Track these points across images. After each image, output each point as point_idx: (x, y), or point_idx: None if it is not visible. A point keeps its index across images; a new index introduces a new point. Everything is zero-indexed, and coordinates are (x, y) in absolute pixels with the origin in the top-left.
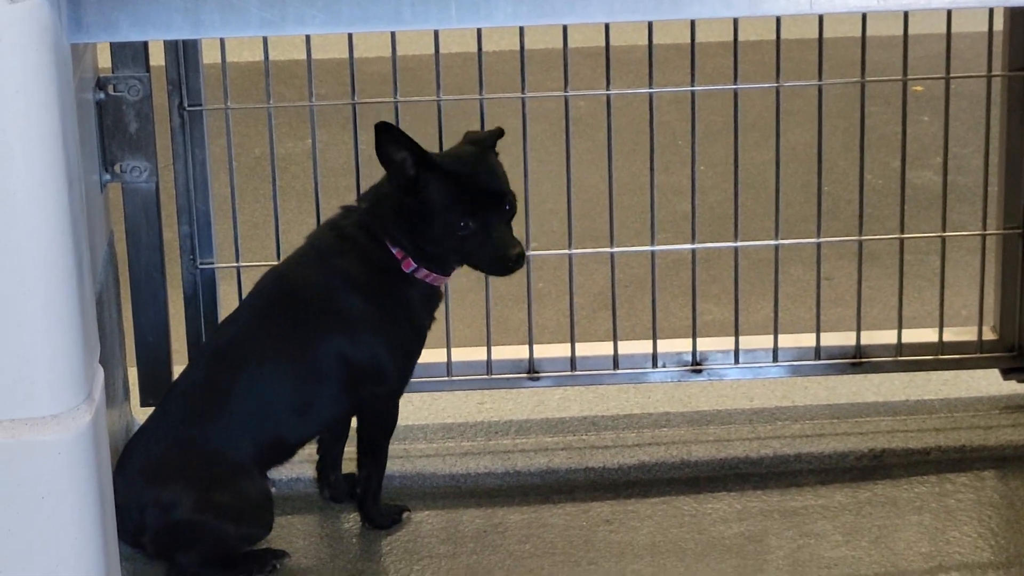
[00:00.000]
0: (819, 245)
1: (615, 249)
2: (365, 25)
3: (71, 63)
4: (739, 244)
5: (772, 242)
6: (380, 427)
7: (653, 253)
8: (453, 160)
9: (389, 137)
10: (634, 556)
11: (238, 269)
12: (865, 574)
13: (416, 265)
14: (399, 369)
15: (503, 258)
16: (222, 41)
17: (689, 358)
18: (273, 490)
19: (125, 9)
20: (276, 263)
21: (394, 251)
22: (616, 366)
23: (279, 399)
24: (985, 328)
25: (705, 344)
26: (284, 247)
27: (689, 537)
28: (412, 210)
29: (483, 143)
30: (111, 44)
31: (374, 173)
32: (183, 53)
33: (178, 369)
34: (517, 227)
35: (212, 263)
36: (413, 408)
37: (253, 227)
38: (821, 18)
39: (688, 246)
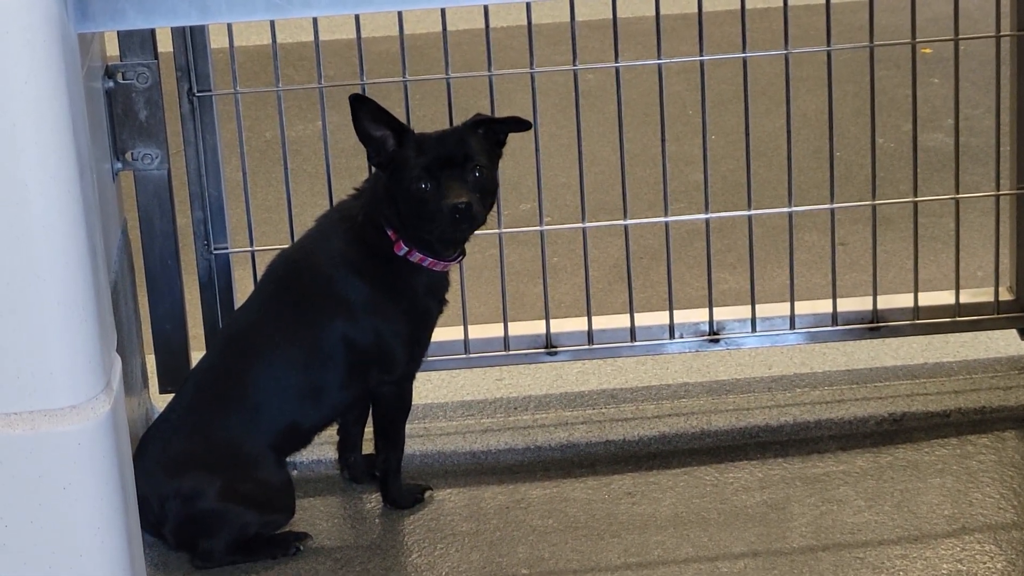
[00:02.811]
0: (833, 211)
1: (629, 221)
2: (370, 6)
3: (79, 53)
4: (753, 212)
5: (786, 209)
6: (393, 412)
7: (667, 224)
8: (426, 134)
9: (366, 112)
10: (657, 528)
11: (252, 254)
12: (888, 538)
13: (407, 248)
14: (406, 354)
15: (450, 209)
16: (229, 26)
17: (706, 328)
18: (294, 472)
19: None
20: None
21: (388, 232)
22: (633, 338)
23: (291, 385)
24: (1001, 288)
25: (722, 313)
26: (297, 230)
27: (712, 507)
28: (392, 186)
29: (478, 123)
30: (118, 32)
31: None
32: (191, 39)
33: (196, 355)
34: (531, 202)
35: (226, 248)
36: (432, 386)
37: (266, 211)
38: None
39: (702, 216)
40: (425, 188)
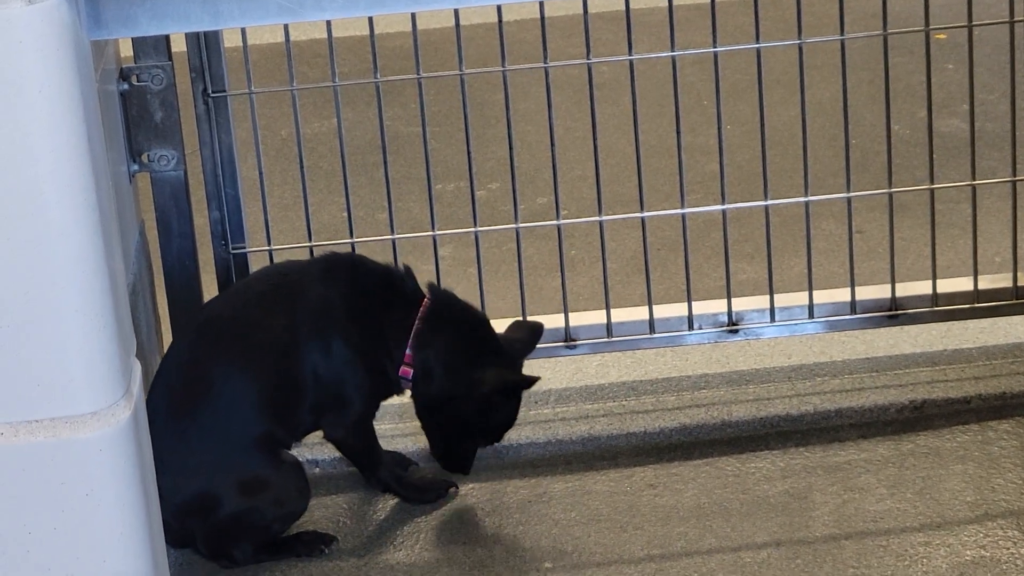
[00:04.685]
0: (849, 199)
1: (646, 213)
2: (383, 7)
3: (92, 59)
4: (769, 202)
5: (802, 199)
6: (352, 452)
7: (684, 215)
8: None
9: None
10: (679, 519)
11: (270, 252)
12: (911, 525)
13: (408, 374)
14: (362, 404)
15: (457, 467)
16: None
17: (725, 318)
18: (316, 470)
19: (143, 4)
20: (308, 244)
21: (403, 367)
22: (652, 330)
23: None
24: (1020, 274)
25: (740, 304)
26: (315, 227)
27: (734, 497)
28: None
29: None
30: None
31: (401, 149)
32: (204, 40)
33: None
34: (547, 196)
35: (244, 247)
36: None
37: (283, 209)
38: None
39: (718, 207)
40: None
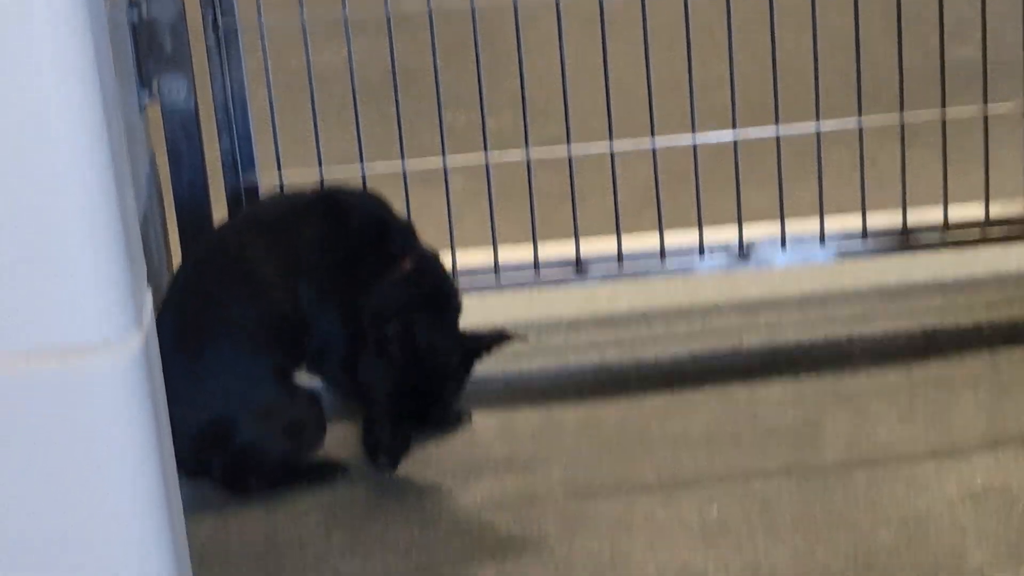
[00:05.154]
0: (861, 127)
1: (656, 143)
2: None
3: None
4: (780, 131)
5: (813, 126)
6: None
7: (695, 145)
8: (426, 360)
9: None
10: (690, 446)
11: (281, 183)
12: (922, 453)
13: None
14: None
15: (375, 457)
16: None
17: (736, 246)
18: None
19: None
20: (319, 175)
21: None
22: (663, 258)
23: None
24: None
25: (751, 232)
26: (325, 158)
27: (745, 425)
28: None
29: (470, 352)
30: None
31: (411, 81)
32: None
33: None
34: (558, 126)
35: (255, 178)
36: (462, 310)
37: (293, 140)
38: None
39: (729, 135)
40: (380, 415)
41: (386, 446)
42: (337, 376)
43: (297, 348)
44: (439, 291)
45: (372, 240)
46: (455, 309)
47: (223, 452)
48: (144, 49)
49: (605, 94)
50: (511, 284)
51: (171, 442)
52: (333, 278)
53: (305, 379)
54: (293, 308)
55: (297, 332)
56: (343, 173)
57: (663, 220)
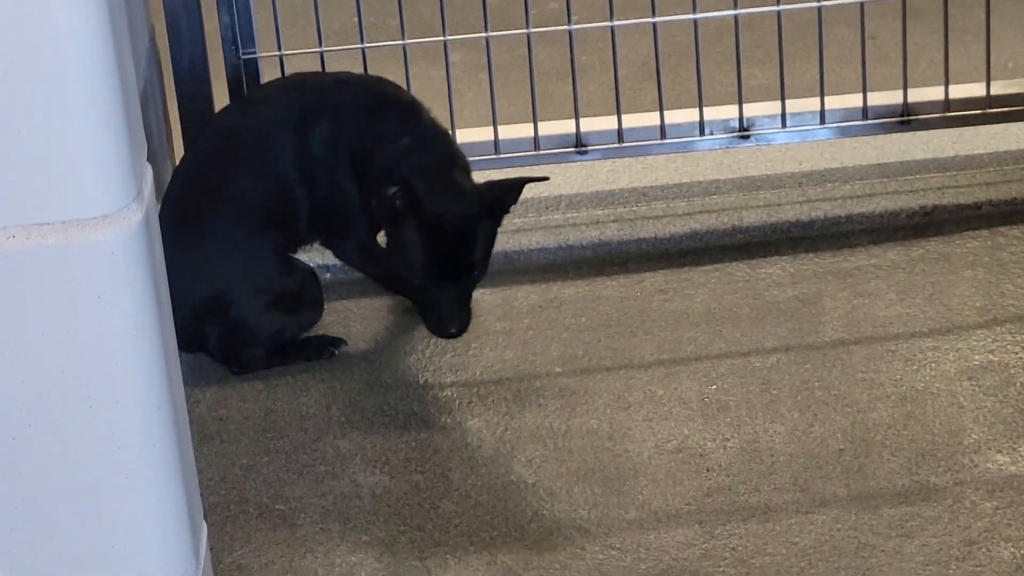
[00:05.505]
0: (862, 4)
1: (657, 19)
2: None
3: None
4: (782, 7)
5: (815, 3)
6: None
7: (696, 21)
8: (441, 215)
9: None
10: (690, 324)
11: (281, 58)
12: (920, 331)
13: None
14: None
15: (440, 328)
16: None
17: (736, 124)
18: (327, 276)
19: None
20: (319, 49)
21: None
22: (663, 135)
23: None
24: None
25: (752, 109)
26: (325, 33)
27: (744, 302)
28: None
29: (492, 203)
30: None
31: None
32: None
33: None
34: (558, 1)
35: (254, 52)
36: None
37: (293, 14)
38: None
39: (731, 12)
40: (423, 281)
41: (448, 315)
42: (361, 257)
43: (297, 227)
44: (443, 156)
45: (377, 118)
46: (463, 169)
47: (220, 325)
48: None
49: None
50: (511, 160)
51: (171, 315)
52: (343, 159)
53: (305, 259)
54: (299, 187)
55: (299, 212)
56: (344, 51)
57: (663, 97)
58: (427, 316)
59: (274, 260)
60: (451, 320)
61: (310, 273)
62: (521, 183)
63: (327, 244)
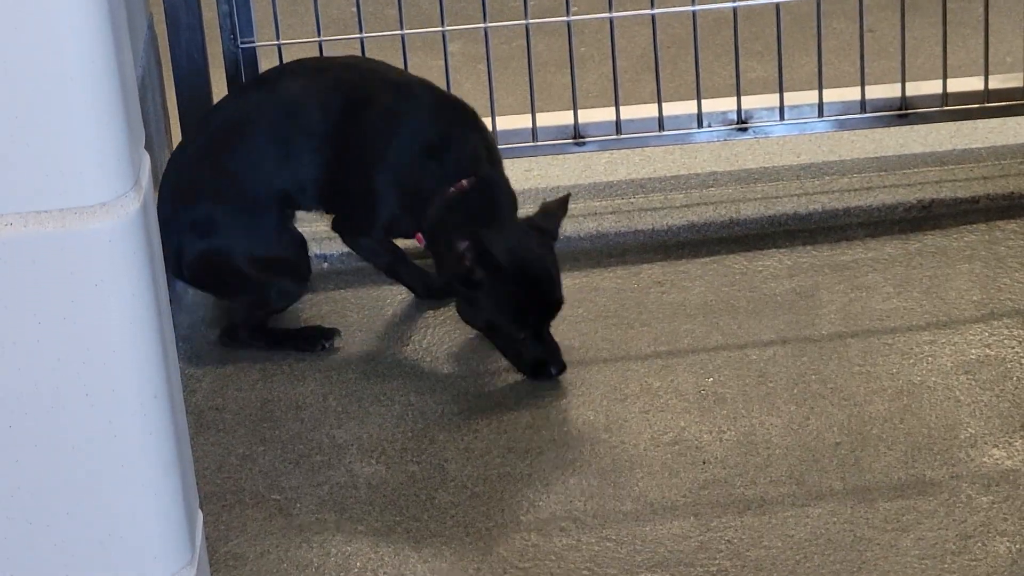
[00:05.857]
0: None
1: (656, 10)
2: None
3: None
4: (781, 0)
5: None
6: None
7: (694, 13)
8: (515, 263)
9: (452, 221)
10: (687, 316)
11: (279, 47)
12: (917, 324)
13: (421, 241)
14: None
15: (542, 372)
16: None
17: (734, 116)
18: (325, 265)
19: None
20: (317, 39)
21: (419, 233)
22: (661, 127)
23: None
24: None
25: (750, 102)
26: (324, 22)
27: (741, 295)
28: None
29: (549, 231)
30: None
31: None
32: None
33: None
34: None
35: (253, 42)
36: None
37: (292, 4)
38: None
39: (729, 4)
40: (522, 337)
41: (550, 357)
42: (374, 252)
43: (303, 200)
44: (504, 196)
45: (441, 144)
46: (516, 202)
47: (203, 245)
48: None
49: None
50: (510, 152)
51: (168, 304)
52: (397, 166)
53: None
54: (320, 167)
55: (308, 187)
56: (342, 41)
57: (662, 89)
58: (521, 361)
59: (275, 220)
60: (554, 362)
61: (300, 241)
62: (565, 202)
63: (337, 228)
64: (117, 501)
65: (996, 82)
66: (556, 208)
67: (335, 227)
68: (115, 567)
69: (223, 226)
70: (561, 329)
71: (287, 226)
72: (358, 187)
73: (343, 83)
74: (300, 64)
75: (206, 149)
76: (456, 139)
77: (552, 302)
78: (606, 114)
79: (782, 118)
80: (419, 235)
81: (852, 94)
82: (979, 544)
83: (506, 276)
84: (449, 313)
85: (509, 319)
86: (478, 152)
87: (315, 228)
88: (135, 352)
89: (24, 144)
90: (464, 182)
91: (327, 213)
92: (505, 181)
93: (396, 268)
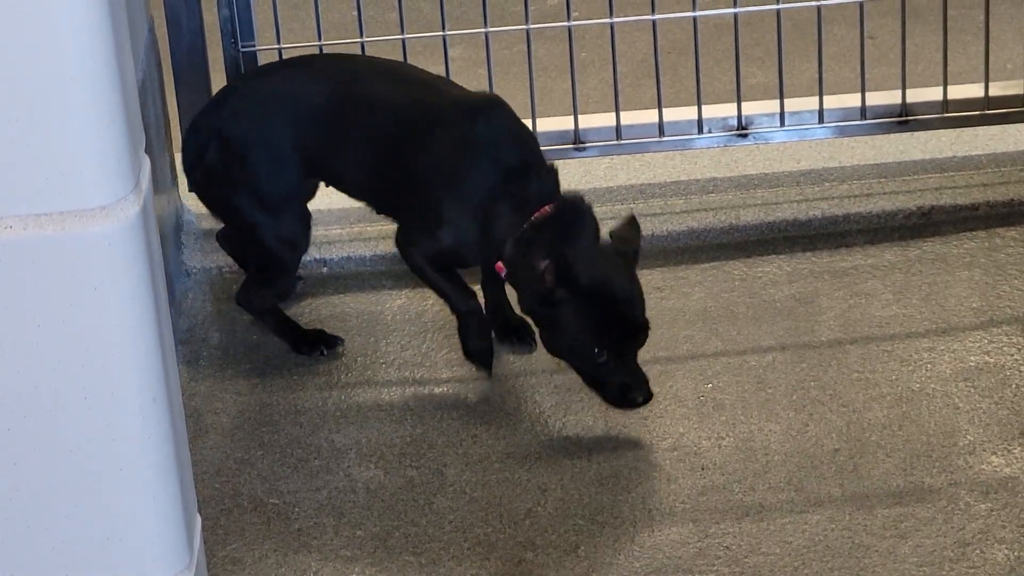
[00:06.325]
0: (861, 4)
1: (657, 16)
2: None
3: None
4: (781, 6)
5: (815, 2)
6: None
7: (695, 18)
8: (597, 282)
9: (537, 239)
10: (686, 322)
11: (279, 51)
12: (916, 331)
13: (502, 271)
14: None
15: (628, 398)
16: None
17: (735, 122)
18: (324, 269)
19: None
20: (318, 43)
21: (499, 262)
22: (662, 133)
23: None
24: None
25: (750, 108)
26: (324, 27)
27: (740, 301)
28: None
29: (629, 253)
30: None
31: None
32: None
33: None
34: None
35: (253, 45)
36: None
37: (292, 7)
38: None
39: (730, 10)
40: (598, 354)
41: (637, 384)
42: (424, 264)
43: (341, 181)
44: (582, 230)
45: (518, 173)
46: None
47: (223, 166)
48: None
49: None
50: None
51: (168, 307)
52: (471, 192)
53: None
54: (376, 164)
55: (350, 175)
56: (343, 45)
57: (662, 95)
58: (606, 389)
59: (297, 172)
60: (640, 388)
61: (304, 216)
62: (636, 224)
63: (400, 236)
64: (115, 504)
65: (996, 89)
66: (630, 232)
67: (396, 241)
68: (113, 570)
69: (249, 163)
70: None
71: (304, 206)
72: (422, 207)
73: (419, 103)
74: (374, 64)
75: (270, 98)
76: (535, 165)
77: (635, 324)
78: (606, 119)
79: (782, 124)
80: (499, 264)
81: (852, 100)
82: (977, 551)
83: (587, 294)
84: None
85: (589, 339)
86: (555, 176)
87: (314, 233)
88: (134, 355)
89: (24, 147)
90: (547, 207)
91: (377, 212)
92: (587, 205)
93: (442, 287)
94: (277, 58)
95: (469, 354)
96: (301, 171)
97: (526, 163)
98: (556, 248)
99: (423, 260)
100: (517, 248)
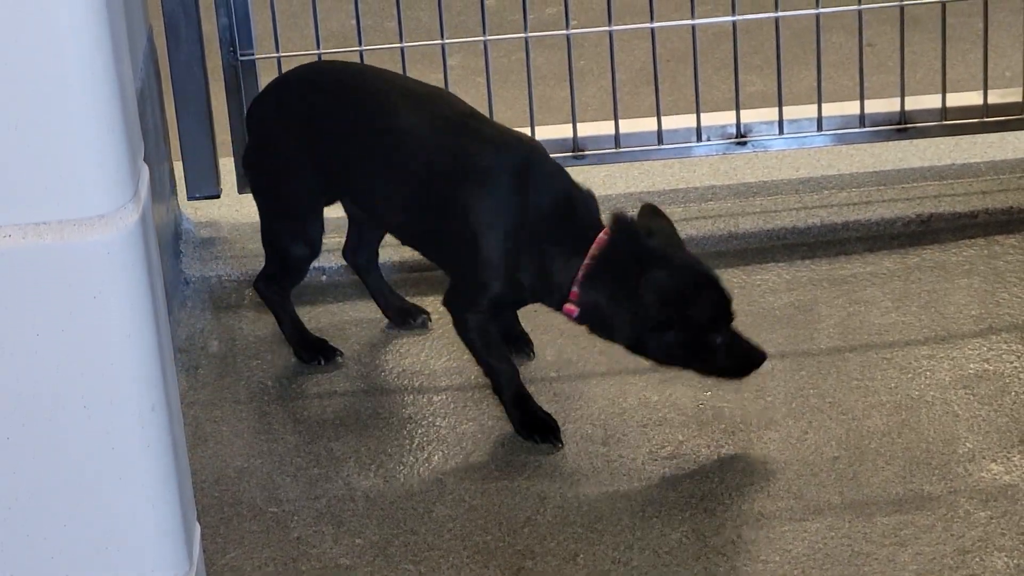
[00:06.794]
0: (860, 11)
1: (655, 24)
2: None
3: None
4: (780, 14)
5: (813, 10)
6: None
7: (694, 27)
8: (691, 283)
9: (612, 277)
10: None
11: (278, 60)
12: (916, 339)
13: (574, 312)
14: (475, 290)
15: (750, 363)
16: None
17: (733, 130)
18: (323, 278)
19: None
20: (316, 51)
21: (570, 301)
22: (660, 141)
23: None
24: None
25: (749, 116)
26: (323, 35)
27: (739, 309)
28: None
29: (675, 236)
30: None
31: None
32: None
33: (223, 162)
34: (557, 6)
35: (252, 54)
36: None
37: (291, 16)
38: None
39: (729, 18)
40: (719, 343)
41: (750, 347)
42: (475, 334)
43: (342, 193)
44: (643, 243)
45: (561, 211)
46: (668, 254)
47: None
48: None
49: None
50: None
51: (166, 313)
52: (511, 243)
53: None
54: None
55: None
56: (341, 54)
57: (661, 103)
58: (727, 365)
59: (313, 180)
60: (756, 348)
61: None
62: (658, 211)
63: (445, 302)
64: (115, 512)
65: (995, 97)
66: (659, 219)
67: (445, 301)
68: None
69: (278, 148)
70: (559, 343)
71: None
72: (469, 260)
73: (451, 148)
74: (411, 93)
75: (316, 107)
76: (575, 196)
77: (729, 298)
78: (605, 127)
79: (781, 132)
80: (568, 307)
81: (851, 108)
82: (977, 559)
83: (691, 300)
84: (448, 327)
85: (706, 332)
86: (594, 200)
87: None
88: (133, 363)
89: (23, 155)
90: (603, 235)
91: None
92: (630, 217)
93: (486, 360)
94: (276, 67)
95: (529, 432)
96: (321, 187)
97: (569, 198)
98: (643, 275)
99: (476, 332)
100: (596, 290)
